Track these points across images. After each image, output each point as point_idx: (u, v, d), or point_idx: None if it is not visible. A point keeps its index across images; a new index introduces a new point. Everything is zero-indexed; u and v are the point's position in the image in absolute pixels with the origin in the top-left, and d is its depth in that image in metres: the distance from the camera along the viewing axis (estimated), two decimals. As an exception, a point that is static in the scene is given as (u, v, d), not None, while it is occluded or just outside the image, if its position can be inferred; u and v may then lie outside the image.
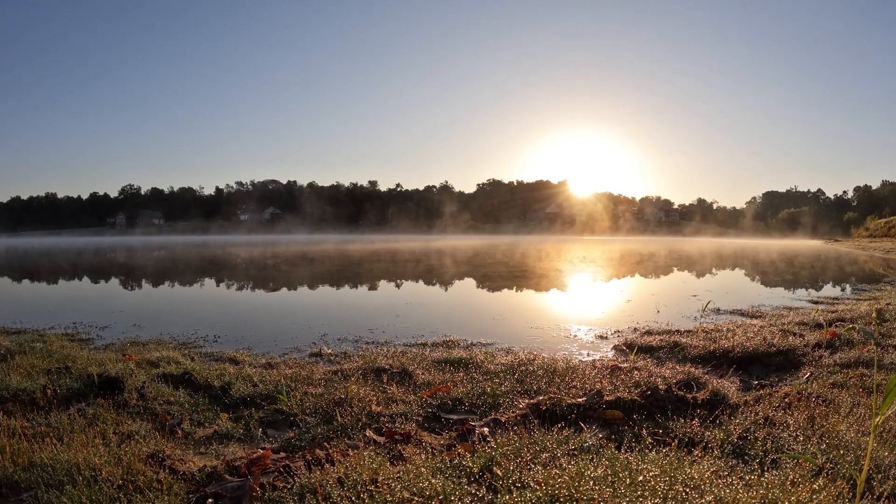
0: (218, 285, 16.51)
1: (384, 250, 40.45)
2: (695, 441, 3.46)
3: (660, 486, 2.63)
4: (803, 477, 2.84)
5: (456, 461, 3.05)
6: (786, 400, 4.29)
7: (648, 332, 7.66)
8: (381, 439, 3.62)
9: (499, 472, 2.87)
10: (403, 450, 3.38)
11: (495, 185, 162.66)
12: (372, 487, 2.78)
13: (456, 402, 4.45)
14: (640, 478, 2.71)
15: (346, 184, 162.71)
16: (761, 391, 4.70)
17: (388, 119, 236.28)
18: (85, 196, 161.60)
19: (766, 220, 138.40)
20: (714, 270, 22.84)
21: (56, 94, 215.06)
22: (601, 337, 7.68)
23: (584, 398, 4.15)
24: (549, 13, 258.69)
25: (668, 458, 3.00)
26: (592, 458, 3.04)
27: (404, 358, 5.94)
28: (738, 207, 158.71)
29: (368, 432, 3.75)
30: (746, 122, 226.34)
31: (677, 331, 7.66)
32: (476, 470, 2.93)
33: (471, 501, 2.62)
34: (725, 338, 6.76)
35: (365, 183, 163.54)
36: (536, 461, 3.03)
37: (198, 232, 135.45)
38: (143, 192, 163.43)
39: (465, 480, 2.85)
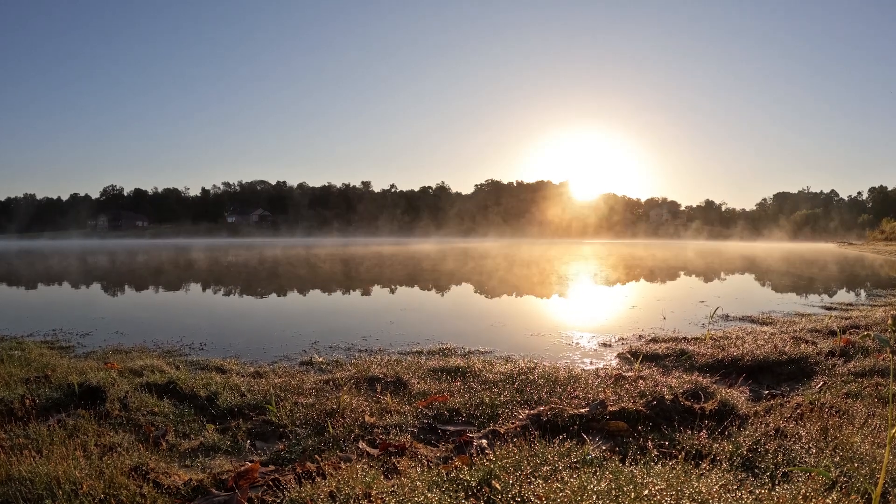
0: (204, 290, 16.49)
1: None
2: (702, 453, 3.47)
3: (666, 501, 2.64)
4: (816, 491, 2.85)
5: (453, 474, 3.06)
6: (798, 410, 4.30)
7: (654, 340, 7.68)
8: (375, 452, 3.62)
9: (497, 485, 2.87)
10: (398, 462, 3.38)
11: (494, 185, 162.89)
12: (365, 502, 2.78)
13: (453, 413, 4.45)
14: (646, 492, 2.72)
15: (339, 184, 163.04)
16: (772, 401, 4.71)
17: (383, 118, 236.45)
18: (65, 197, 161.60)
19: (778, 222, 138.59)
20: (723, 275, 22.88)
21: (35, 92, 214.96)
22: (605, 345, 7.69)
23: (587, 409, 4.15)
24: (551, 7, 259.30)
25: (674, 472, 3.00)
26: (595, 472, 3.04)
27: (399, 366, 5.94)
28: (747, 209, 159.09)
29: (361, 444, 3.75)
30: (756, 121, 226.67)
31: (684, 338, 7.67)
32: (474, 484, 2.93)
33: (469, 516, 2.62)
34: (734, 345, 6.77)
35: (358, 184, 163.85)
36: (537, 474, 3.04)
37: (183, 235, 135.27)
38: (125, 194, 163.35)
39: (462, 495, 2.85)
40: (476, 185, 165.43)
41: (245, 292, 15.89)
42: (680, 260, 35.21)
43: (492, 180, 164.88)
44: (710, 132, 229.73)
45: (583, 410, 4.12)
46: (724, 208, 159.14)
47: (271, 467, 3.44)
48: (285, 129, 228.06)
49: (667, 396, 4.34)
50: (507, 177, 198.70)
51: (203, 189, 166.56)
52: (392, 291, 15.93)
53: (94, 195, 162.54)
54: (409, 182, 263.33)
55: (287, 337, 8.36)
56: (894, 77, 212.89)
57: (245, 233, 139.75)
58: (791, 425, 3.91)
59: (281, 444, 3.93)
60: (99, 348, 7.47)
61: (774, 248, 68.14)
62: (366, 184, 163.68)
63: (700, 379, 5.15)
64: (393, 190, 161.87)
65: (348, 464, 3.33)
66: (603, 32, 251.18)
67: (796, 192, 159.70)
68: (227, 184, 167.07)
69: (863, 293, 15.33)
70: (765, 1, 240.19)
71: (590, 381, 5.14)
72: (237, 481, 3.15)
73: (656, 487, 2.75)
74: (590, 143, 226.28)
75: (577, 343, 7.84)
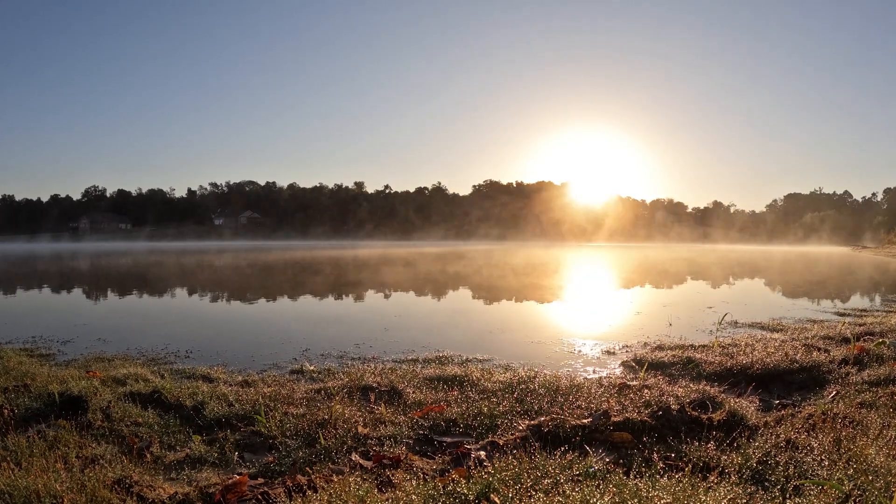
0: (190, 296, 16.47)
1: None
2: (710, 466, 3.47)
3: (672, 515, 2.64)
4: (828, 504, 2.85)
5: (450, 488, 3.06)
6: (810, 421, 4.30)
7: (660, 347, 7.68)
8: (369, 464, 3.62)
9: (496, 499, 2.87)
10: (392, 475, 3.38)
11: (492, 186, 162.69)
12: (358, 516, 2.78)
13: (450, 424, 4.45)
14: (651, 505, 2.72)
15: (331, 185, 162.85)
16: (783, 411, 4.72)
17: (377, 116, 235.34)
18: (45, 198, 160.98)
19: (789, 224, 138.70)
20: (731, 280, 22.92)
21: (15, 91, 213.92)
22: (608, 352, 7.70)
23: (590, 419, 4.15)
24: (552, 3, 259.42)
25: (681, 485, 3.01)
26: (599, 485, 3.04)
27: (393, 375, 5.95)
28: (757, 211, 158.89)
29: (354, 456, 3.75)
30: (766, 120, 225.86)
31: (691, 345, 7.67)
32: (472, 497, 2.93)
33: (466, 532, 2.62)
34: (744, 353, 6.78)
35: (351, 184, 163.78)
36: (537, 488, 3.04)
37: (168, 238, 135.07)
38: (108, 195, 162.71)
39: (460, 509, 2.85)
40: (474, 186, 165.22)
41: (233, 298, 15.88)
42: (686, 264, 35.26)
43: (490, 181, 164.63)
44: (717, 131, 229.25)
45: (585, 421, 4.12)
46: (732, 210, 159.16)
47: (260, 480, 3.44)
48: (275, 128, 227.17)
49: (673, 406, 4.35)
50: (506, 177, 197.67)
51: (189, 190, 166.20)
52: (386, 297, 15.93)
53: (76, 196, 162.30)
54: (405, 183, 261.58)
55: (277, 344, 8.36)
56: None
57: (233, 235, 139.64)
58: (803, 436, 3.92)
59: (270, 455, 3.93)
60: (80, 356, 7.46)
61: (785, 251, 68.25)
62: (359, 184, 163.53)
63: (708, 388, 5.16)
64: (387, 191, 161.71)
65: (341, 476, 3.33)
66: (606, 28, 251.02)
67: (808, 193, 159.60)
68: (214, 184, 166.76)
69: (877, 298, 15.38)
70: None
71: (592, 391, 5.15)
72: (225, 495, 3.15)
73: (662, 501, 2.76)
74: (592, 143, 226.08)
75: (580, 351, 7.85)
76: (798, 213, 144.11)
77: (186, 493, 3.21)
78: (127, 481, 3.26)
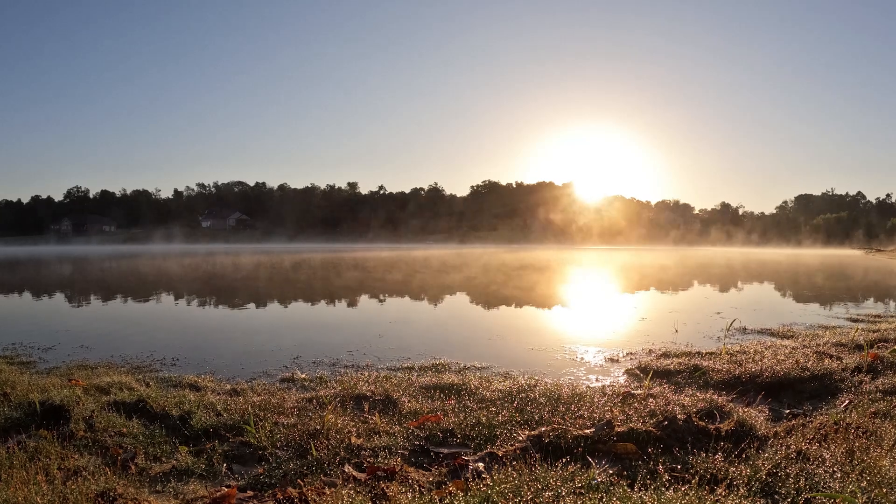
0: (176, 301, 16.45)
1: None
2: (718, 478, 3.47)
3: (678, 529, 2.64)
4: (840, 518, 2.85)
5: (447, 501, 3.06)
6: (821, 431, 4.31)
7: (665, 355, 7.69)
8: (362, 476, 3.62)
9: (496, 513, 2.87)
10: (387, 488, 3.38)
11: (492, 187, 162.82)
12: (352, 531, 2.78)
13: (447, 434, 4.45)
14: (656, 519, 2.72)
15: (323, 186, 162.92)
16: (793, 421, 4.72)
17: (372, 115, 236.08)
18: (25, 200, 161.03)
19: (799, 226, 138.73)
20: (740, 284, 22.94)
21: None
22: (612, 360, 7.70)
23: (593, 429, 4.15)
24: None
25: (687, 498, 3.01)
26: (602, 498, 3.04)
27: (388, 383, 5.94)
28: (767, 213, 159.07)
29: (347, 468, 3.75)
30: (776, 118, 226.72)
31: (698, 353, 7.68)
32: (470, 511, 2.93)
33: (464, 546, 2.62)
34: (753, 361, 6.79)
35: (344, 185, 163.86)
36: (538, 501, 3.04)
37: (154, 240, 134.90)
38: (91, 196, 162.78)
39: (457, 523, 2.85)
40: (472, 187, 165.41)
41: (221, 303, 15.86)
42: (693, 268, 35.28)
43: (489, 181, 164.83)
44: (725, 130, 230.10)
45: (588, 431, 4.12)
46: (741, 212, 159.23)
47: (249, 493, 3.44)
48: (265, 126, 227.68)
49: (679, 416, 4.35)
50: (505, 177, 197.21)
51: (176, 191, 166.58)
52: (381, 302, 15.93)
53: (58, 197, 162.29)
54: (400, 183, 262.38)
55: (267, 351, 8.35)
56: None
57: (221, 237, 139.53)
58: (814, 447, 3.92)
59: (260, 467, 3.92)
60: (62, 364, 7.44)
61: (795, 255, 68.28)
62: (352, 185, 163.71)
63: (715, 397, 5.16)
64: (382, 192, 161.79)
65: (333, 489, 3.32)
66: (610, 23, 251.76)
67: (819, 194, 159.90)
68: (201, 185, 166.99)
69: (892, 304, 15.39)
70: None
71: (595, 400, 5.15)
72: (212, 508, 3.15)
73: (668, 514, 2.76)
74: (595, 142, 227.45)
75: (582, 358, 7.85)
76: (809, 215, 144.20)
77: (172, 507, 3.21)
78: (111, 494, 3.25)
